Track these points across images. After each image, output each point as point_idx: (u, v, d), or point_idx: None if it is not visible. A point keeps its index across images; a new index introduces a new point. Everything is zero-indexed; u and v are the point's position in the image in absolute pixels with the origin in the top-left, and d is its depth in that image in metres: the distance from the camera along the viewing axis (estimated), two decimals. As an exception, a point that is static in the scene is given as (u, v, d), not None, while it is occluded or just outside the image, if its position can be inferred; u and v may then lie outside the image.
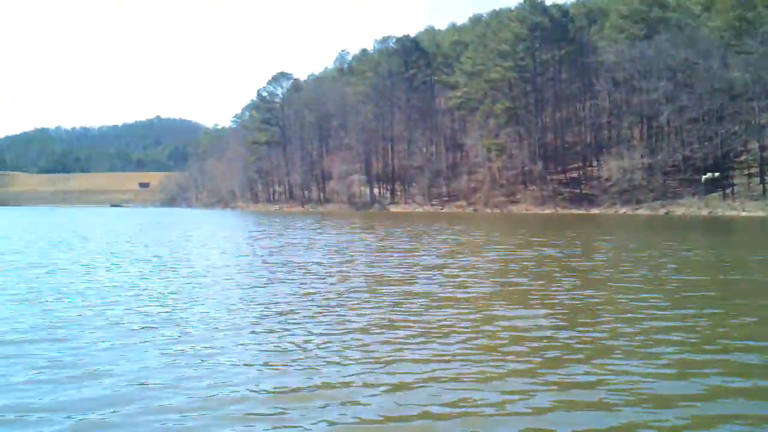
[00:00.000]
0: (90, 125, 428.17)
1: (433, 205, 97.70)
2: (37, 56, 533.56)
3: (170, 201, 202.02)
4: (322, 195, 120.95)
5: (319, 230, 45.07)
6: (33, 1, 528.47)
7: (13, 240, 37.00)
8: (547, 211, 78.76)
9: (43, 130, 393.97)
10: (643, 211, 69.38)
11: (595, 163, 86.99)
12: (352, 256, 24.95)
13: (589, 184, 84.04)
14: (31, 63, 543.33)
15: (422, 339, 10.35)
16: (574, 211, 76.39)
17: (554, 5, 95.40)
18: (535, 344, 9.99)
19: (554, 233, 38.64)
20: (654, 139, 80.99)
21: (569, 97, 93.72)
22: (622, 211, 71.65)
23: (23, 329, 11.21)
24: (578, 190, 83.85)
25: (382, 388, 7.93)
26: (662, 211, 67.21)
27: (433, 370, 8.56)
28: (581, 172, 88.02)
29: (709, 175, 68.55)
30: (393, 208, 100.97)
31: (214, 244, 33.34)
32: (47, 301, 14.17)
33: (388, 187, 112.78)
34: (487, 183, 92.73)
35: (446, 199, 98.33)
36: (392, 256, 24.28)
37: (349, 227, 49.68)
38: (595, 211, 75.02)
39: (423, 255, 24.65)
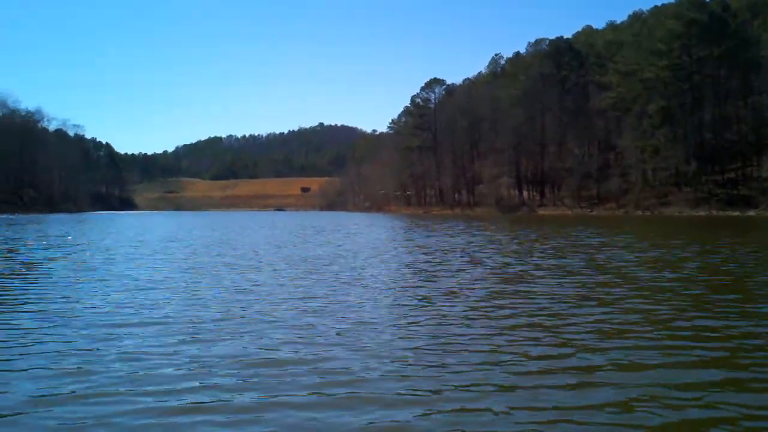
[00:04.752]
0: (258, 133, 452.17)
1: (582, 207, 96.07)
2: (209, 70, 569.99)
3: (328, 205, 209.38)
4: (471, 198, 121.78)
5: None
6: (200, 22, 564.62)
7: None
8: (701, 213, 75.49)
9: (216, 139, 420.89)
10: (803, 212, 65.20)
11: (755, 163, 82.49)
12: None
13: (747, 184, 79.85)
14: (205, 76, 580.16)
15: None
16: (730, 213, 72.70)
17: (715, 0, 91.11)
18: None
19: None
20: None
21: (729, 94, 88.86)
22: (779, 212, 67.61)
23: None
24: (735, 191, 79.86)
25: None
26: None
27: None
28: (740, 172, 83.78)
29: None
30: (541, 211, 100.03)
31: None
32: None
33: (538, 189, 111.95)
34: (638, 184, 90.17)
35: (596, 201, 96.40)
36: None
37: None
38: (751, 213, 71.16)
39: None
